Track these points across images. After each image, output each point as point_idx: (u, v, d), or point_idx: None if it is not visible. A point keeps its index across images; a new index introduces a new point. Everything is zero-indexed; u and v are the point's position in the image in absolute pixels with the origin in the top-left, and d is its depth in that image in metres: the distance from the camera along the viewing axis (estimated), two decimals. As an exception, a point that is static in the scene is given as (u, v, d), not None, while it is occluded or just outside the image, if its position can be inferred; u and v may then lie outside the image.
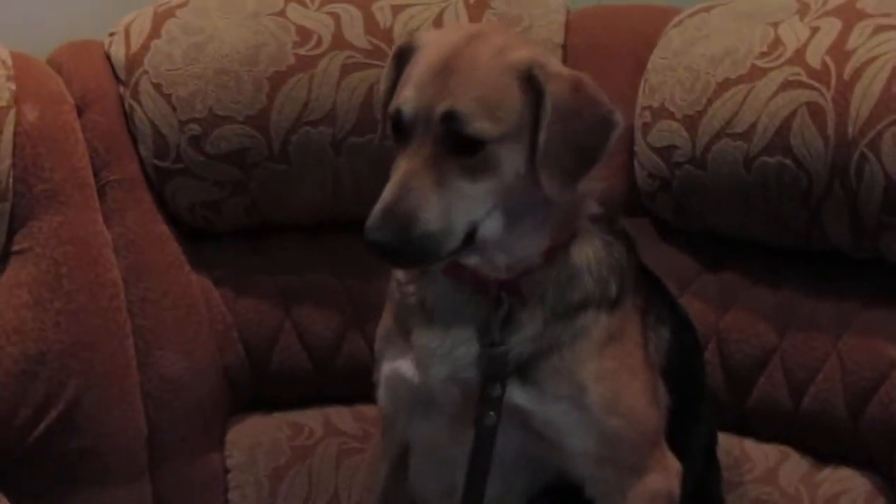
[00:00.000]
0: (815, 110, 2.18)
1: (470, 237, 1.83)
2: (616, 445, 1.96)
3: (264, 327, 2.48)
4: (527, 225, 1.88)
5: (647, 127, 2.39)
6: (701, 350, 2.28)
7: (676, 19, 2.48)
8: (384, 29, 2.41)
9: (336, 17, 2.42)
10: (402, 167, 1.80)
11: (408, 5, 2.44)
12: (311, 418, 2.50)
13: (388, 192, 1.79)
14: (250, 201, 2.43)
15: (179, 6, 2.46)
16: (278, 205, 2.44)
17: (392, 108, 1.85)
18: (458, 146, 1.79)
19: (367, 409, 2.47)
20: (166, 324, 2.40)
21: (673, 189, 2.38)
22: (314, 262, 2.50)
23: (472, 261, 1.89)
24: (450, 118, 1.78)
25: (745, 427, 2.37)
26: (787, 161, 2.21)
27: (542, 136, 1.81)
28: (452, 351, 1.94)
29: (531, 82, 1.82)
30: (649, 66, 2.44)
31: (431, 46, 1.87)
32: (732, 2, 2.45)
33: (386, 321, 2.08)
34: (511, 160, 1.82)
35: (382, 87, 1.95)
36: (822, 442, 2.30)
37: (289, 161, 2.39)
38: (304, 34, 2.40)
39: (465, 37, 1.87)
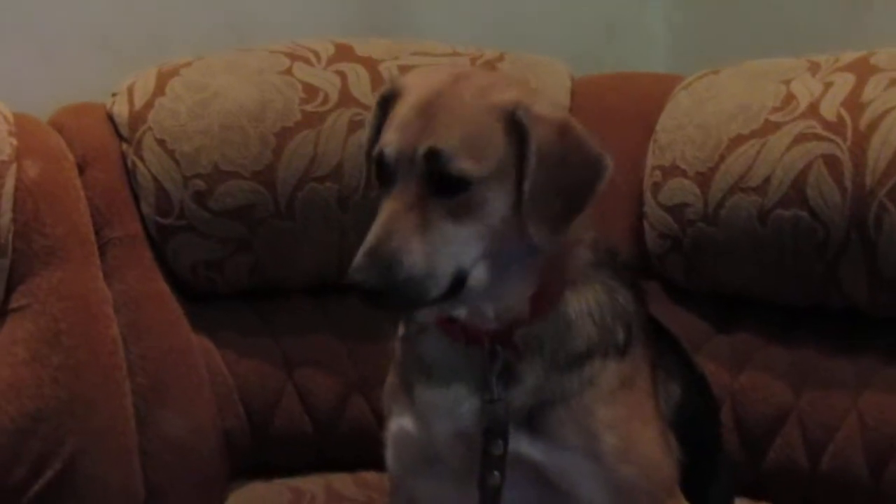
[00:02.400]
0: (831, 162, 2.16)
1: (458, 284, 1.77)
2: (631, 495, 1.89)
3: (266, 390, 2.43)
4: (512, 272, 1.82)
5: (657, 186, 2.37)
6: (716, 409, 2.23)
7: (685, 82, 2.48)
8: (391, 87, 2.38)
9: (342, 76, 2.41)
10: (386, 209, 1.74)
11: (414, 66, 2.42)
12: (313, 484, 2.43)
13: (371, 235, 1.73)
14: (254, 260, 2.39)
15: (183, 66, 2.44)
16: (282, 264, 2.41)
17: (375, 150, 1.80)
18: (442, 186, 1.73)
19: (370, 476, 2.40)
20: (166, 383, 2.34)
21: (684, 248, 2.35)
22: (317, 324, 2.46)
23: (459, 312, 1.83)
24: (432, 157, 1.73)
25: (761, 490, 2.31)
26: (803, 213, 2.18)
27: (528, 182, 1.74)
28: (455, 406, 1.88)
29: (515, 125, 1.76)
30: (658, 126, 2.42)
31: (415, 88, 1.82)
32: (740, 65, 2.45)
33: (391, 377, 2.02)
34: (496, 202, 1.75)
35: (367, 132, 1.88)
36: (842, 503, 2.24)
37: (294, 217, 2.36)
38: (310, 91, 2.38)
39: (449, 78, 1.82)
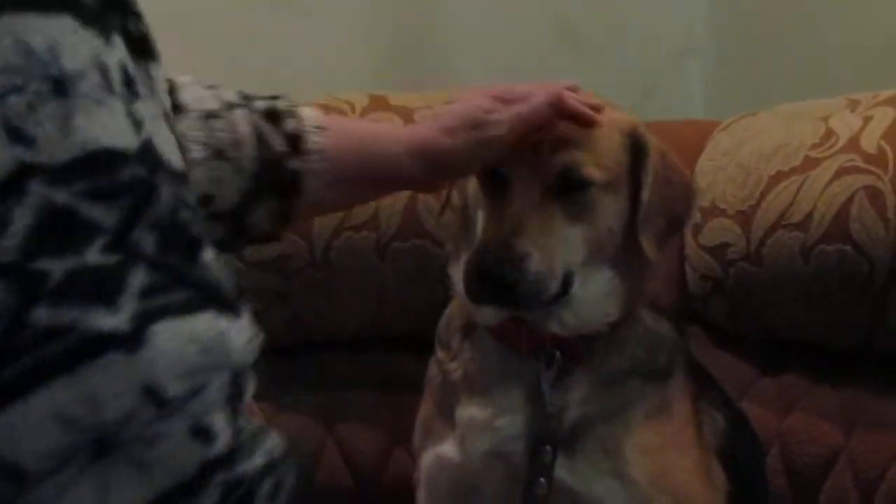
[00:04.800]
0: (873, 194, 2.12)
1: (566, 286, 1.78)
2: None
3: (306, 446, 2.39)
4: (602, 289, 1.84)
5: (697, 228, 2.34)
6: (759, 442, 2.18)
7: (723, 125, 2.47)
8: (427, 136, 2.37)
9: (378, 125, 2.39)
10: (508, 207, 1.76)
11: (450, 114, 2.41)
12: (357, 540, 2.39)
13: (497, 229, 1.75)
14: (291, 314, 2.36)
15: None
16: (320, 316, 2.38)
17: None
18: (565, 188, 1.77)
19: (412, 532, 2.36)
20: (204, 439, 2.31)
21: (727, 289, 2.31)
22: (358, 378, 2.42)
23: (538, 319, 1.82)
24: (566, 168, 1.77)
25: (813, 535, 2.26)
26: (847, 248, 2.14)
27: (645, 195, 1.80)
28: (494, 420, 1.85)
29: (633, 141, 1.83)
30: (697, 168, 2.40)
31: None
32: (778, 107, 2.43)
33: (424, 410, 1.98)
34: (609, 209, 1.80)
35: None
36: (896, 545, 2.18)
37: (331, 267, 2.33)
38: (346, 142, 2.36)
39: None
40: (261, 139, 1.66)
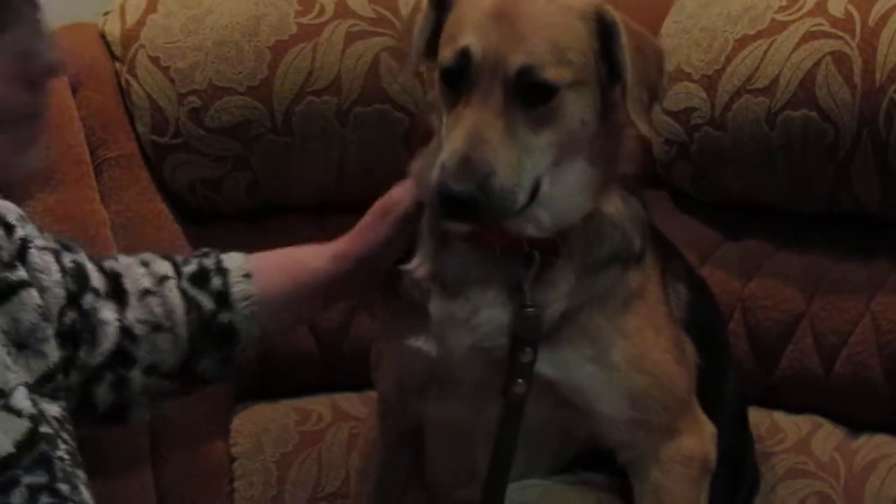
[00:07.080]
0: (840, 59, 2.10)
1: (534, 193, 1.75)
2: (645, 405, 1.87)
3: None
4: (575, 183, 1.80)
5: (662, 91, 2.31)
6: (720, 308, 2.19)
7: (689, -14, 2.42)
8: (389, -2, 2.33)
9: (339, -13, 2.35)
10: (469, 117, 1.70)
11: (412, -23, 2.37)
12: (320, 404, 2.40)
13: (460, 142, 1.68)
14: (252, 178, 2.34)
15: (176, -17, 2.39)
16: (281, 181, 2.36)
17: (448, 57, 1.75)
18: (529, 96, 1.71)
19: (375, 396, 2.36)
20: (167, 305, 2.30)
21: (691, 154, 2.29)
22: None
23: (512, 224, 1.78)
24: (524, 67, 1.70)
25: (774, 399, 2.27)
26: (813, 113, 2.13)
27: (628, 76, 1.75)
28: (473, 317, 1.84)
29: (599, 25, 1.77)
30: (662, 31, 2.36)
31: None
32: (746, -33, 2.39)
33: (391, 298, 1.97)
34: (578, 106, 1.76)
35: (418, 31, 1.83)
36: (857, 408, 2.20)
37: (292, 133, 2.31)
38: (306, 3, 2.32)
39: None
40: (190, 304, 1.86)
